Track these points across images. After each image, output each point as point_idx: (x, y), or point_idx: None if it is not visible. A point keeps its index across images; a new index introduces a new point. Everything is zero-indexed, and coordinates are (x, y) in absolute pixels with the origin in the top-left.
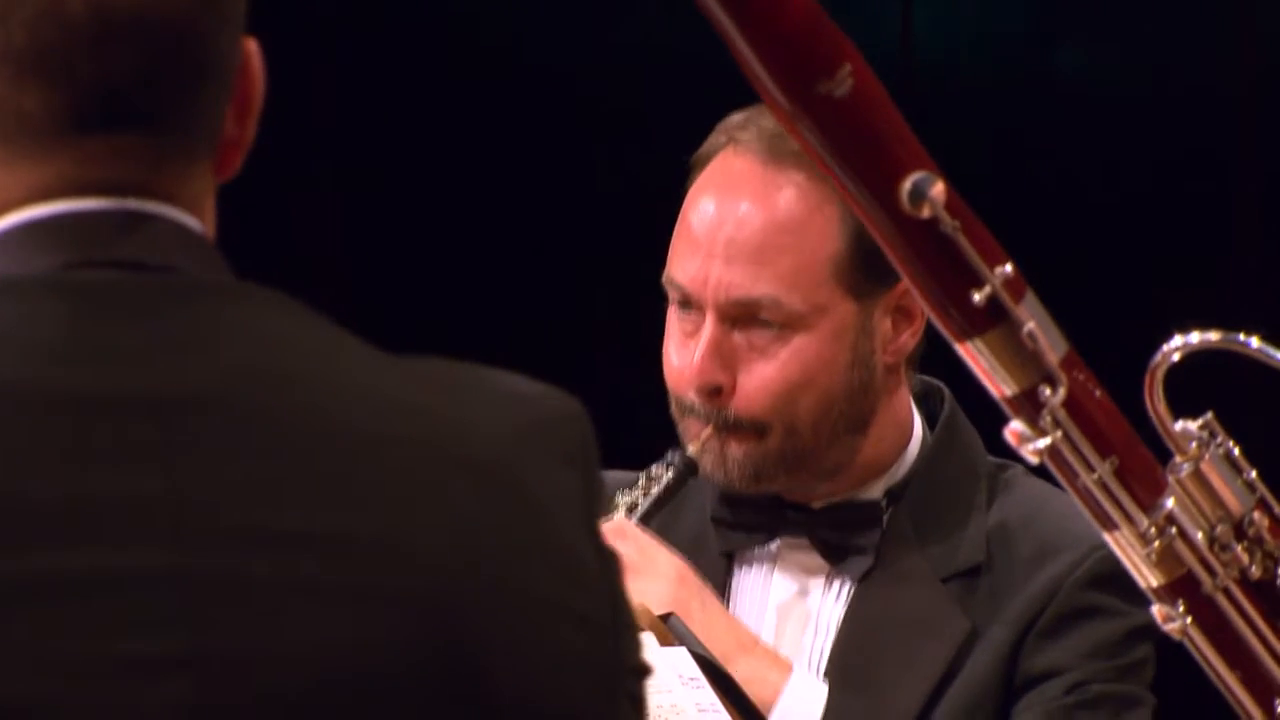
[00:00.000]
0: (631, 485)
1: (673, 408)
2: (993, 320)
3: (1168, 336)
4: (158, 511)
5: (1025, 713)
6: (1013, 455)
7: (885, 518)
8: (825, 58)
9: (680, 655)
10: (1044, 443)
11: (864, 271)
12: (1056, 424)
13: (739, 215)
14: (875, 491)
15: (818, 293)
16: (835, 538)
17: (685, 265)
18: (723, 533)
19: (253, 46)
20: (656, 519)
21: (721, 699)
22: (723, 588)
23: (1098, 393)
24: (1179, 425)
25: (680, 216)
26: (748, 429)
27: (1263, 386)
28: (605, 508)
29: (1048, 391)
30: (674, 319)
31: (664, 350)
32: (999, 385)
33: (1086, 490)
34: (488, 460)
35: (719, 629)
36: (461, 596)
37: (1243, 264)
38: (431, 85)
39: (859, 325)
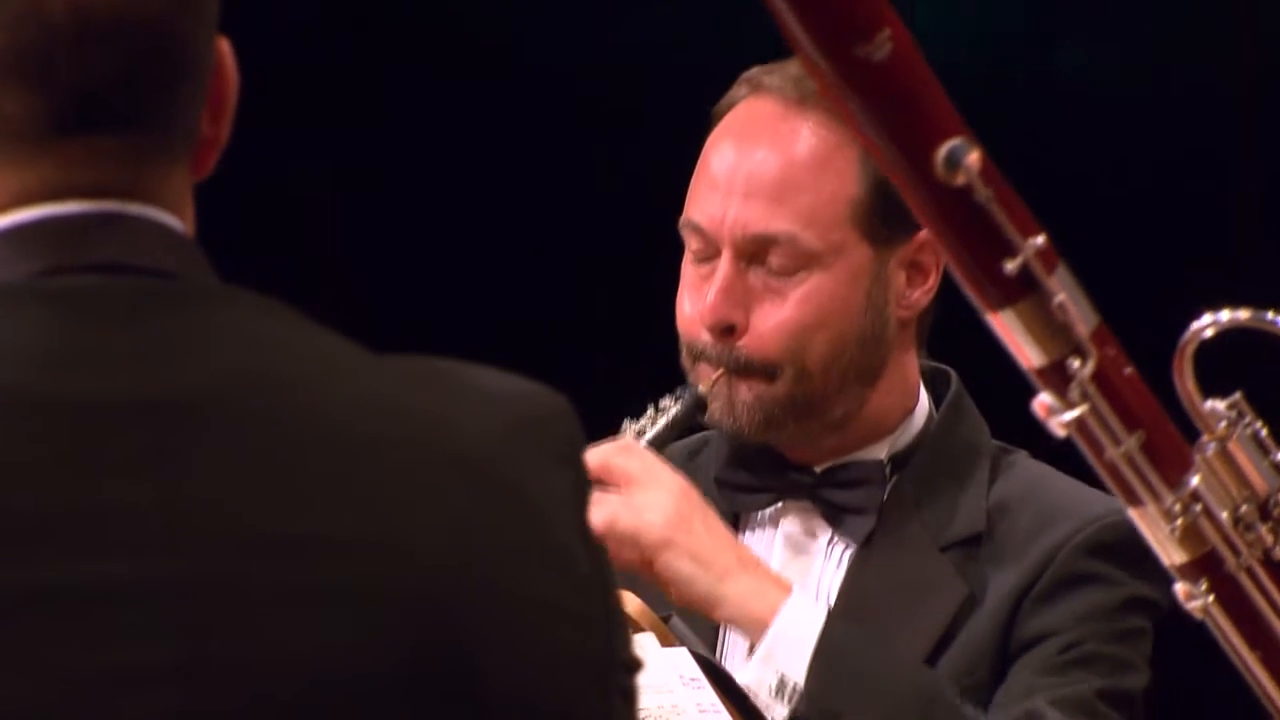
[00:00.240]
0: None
1: (683, 357)
2: (1024, 291)
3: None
4: (150, 519)
5: (1020, 671)
6: (1022, 439)
7: (888, 486)
8: (864, 20)
9: (681, 655)
10: (1072, 415)
11: (882, 218)
12: (1085, 396)
13: (759, 155)
14: (879, 453)
15: (834, 232)
16: (838, 497)
17: (703, 205)
18: (727, 494)
19: (225, 47)
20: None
21: (722, 699)
22: None
23: (1127, 368)
24: (1208, 404)
25: (700, 161)
26: (758, 371)
27: None
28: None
29: (1077, 364)
30: (689, 268)
31: (677, 301)
32: (1028, 356)
33: (1113, 464)
34: (479, 459)
35: (721, 545)
36: (457, 597)
37: (1242, 264)
38: (431, 85)
39: (874, 272)
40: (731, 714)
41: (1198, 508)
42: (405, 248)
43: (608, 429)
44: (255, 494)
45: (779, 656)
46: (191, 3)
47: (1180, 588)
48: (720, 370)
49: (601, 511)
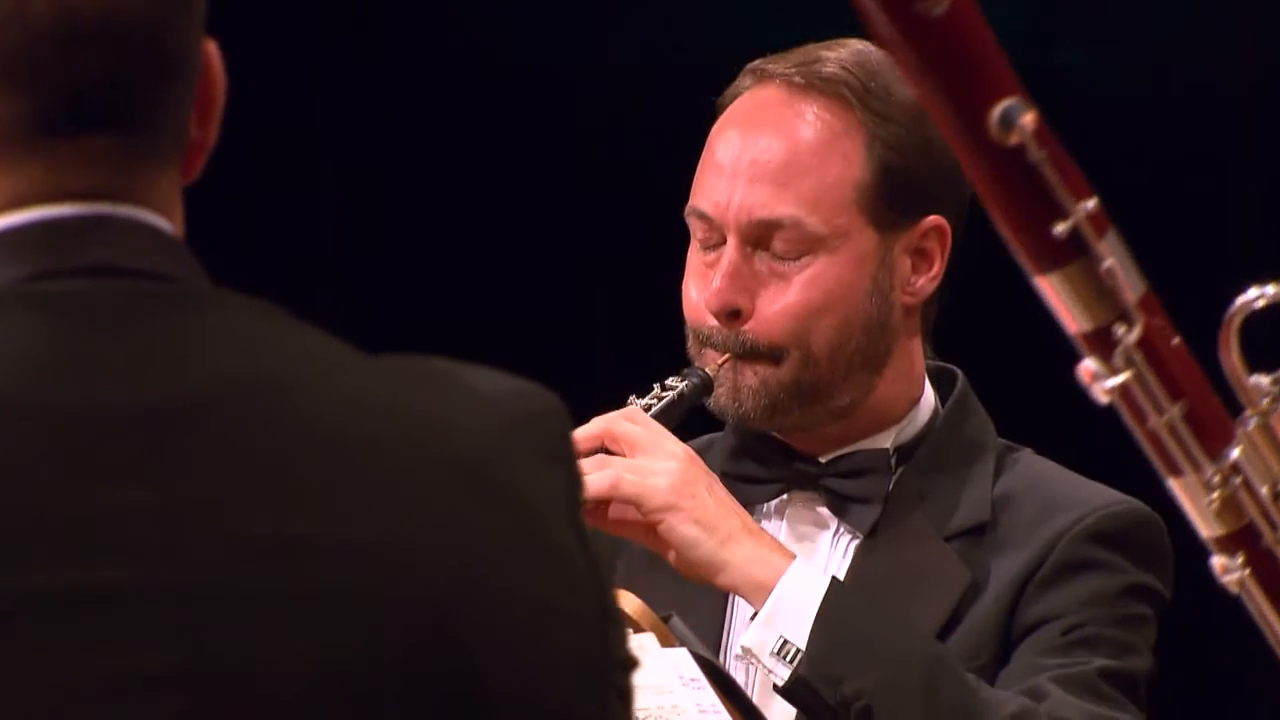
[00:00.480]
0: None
1: (690, 344)
2: (1072, 254)
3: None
4: (147, 523)
5: (1023, 653)
6: (1026, 441)
7: (894, 477)
8: None
9: (681, 656)
10: (1115, 381)
11: (887, 203)
12: (1129, 363)
13: (763, 141)
14: (884, 442)
15: (839, 217)
16: (843, 486)
17: (708, 192)
18: (734, 486)
19: (213, 49)
20: None
21: (722, 700)
22: None
23: (1173, 338)
24: (1252, 379)
25: (705, 149)
26: (765, 354)
27: None
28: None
29: (1122, 330)
30: (695, 256)
31: (683, 288)
32: (1074, 321)
33: (1154, 433)
34: (475, 460)
35: (725, 511)
36: (455, 598)
37: (1242, 264)
38: (432, 85)
39: (879, 257)
40: (732, 714)
41: (1237, 480)
42: (405, 248)
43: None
44: (252, 497)
45: (781, 620)
46: (179, 4)
47: (1216, 561)
48: (726, 355)
49: (605, 475)
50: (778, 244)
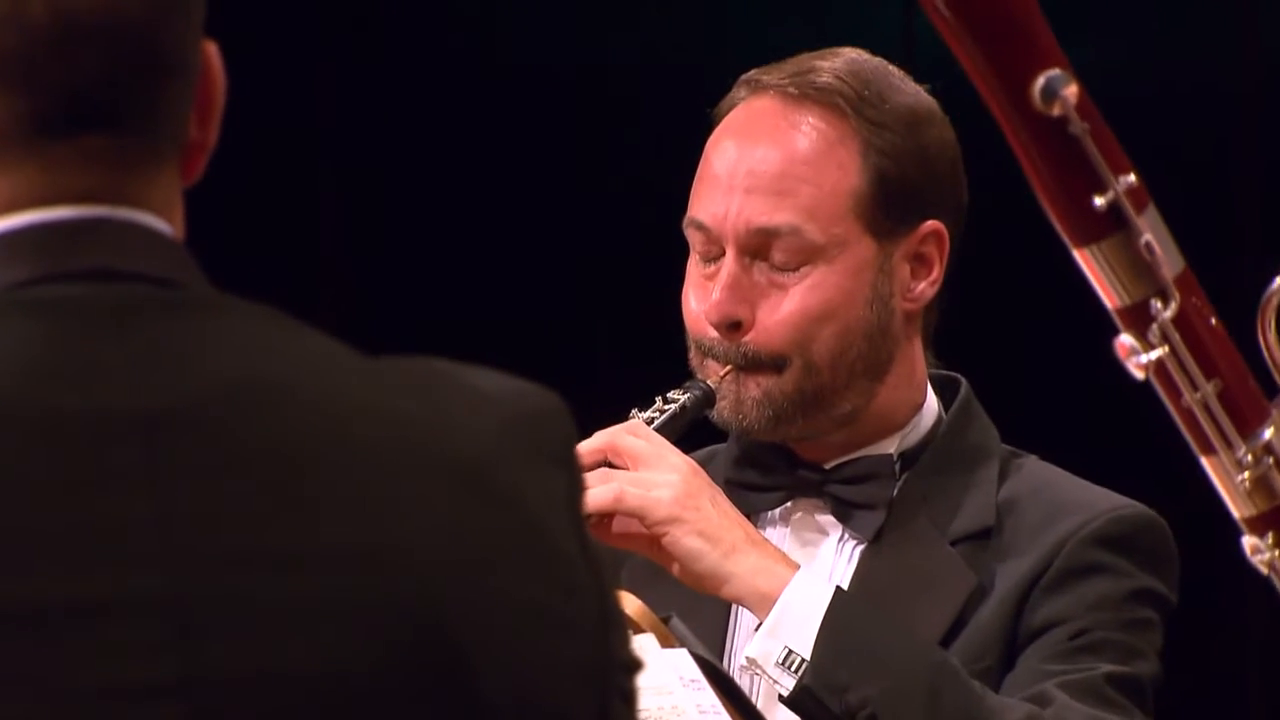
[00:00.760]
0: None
1: (691, 356)
2: (1112, 227)
3: None
4: (148, 534)
5: (1028, 659)
6: (1029, 447)
7: (898, 483)
8: None
9: (681, 657)
10: (1151, 356)
11: (884, 210)
12: (1165, 339)
13: (759, 151)
14: (888, 448)
15: (837, 225)
16: (848, 493)
17: (706, 203)
18: (738, 494)
19: (213, 49)
20: None
21: (722, 700)
22: None
23: (1210, 316)
24: None
25: (702, 161)
26: (766, 364)
27: None
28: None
29: (1159, 305)
30: (694, 268)
31: (683, 299)
32: (1111, 295)
33: (1188, 410)
34: (476, 462)
35: (729, 522)
36: (455, 601)
37: (1243, 264)
38: (432, 85)
39: (878, 265)
40: (732, 715)
41: (1269, 460)
42: (405, 248)
43: (613, 422)
44: (251, 503)
45: (785, 630)
46: (177, 4)
47: (1247, 541)
48: (728, 367)
49: (609, 488)
50: (776, 254)
